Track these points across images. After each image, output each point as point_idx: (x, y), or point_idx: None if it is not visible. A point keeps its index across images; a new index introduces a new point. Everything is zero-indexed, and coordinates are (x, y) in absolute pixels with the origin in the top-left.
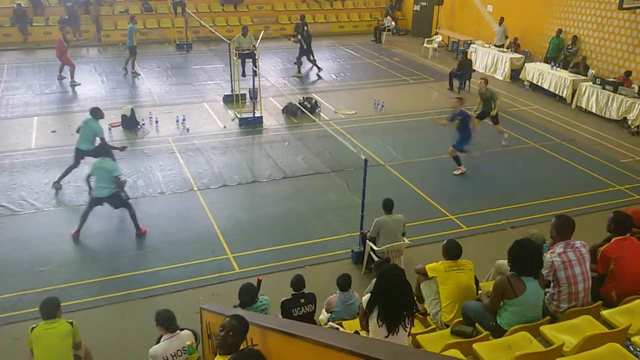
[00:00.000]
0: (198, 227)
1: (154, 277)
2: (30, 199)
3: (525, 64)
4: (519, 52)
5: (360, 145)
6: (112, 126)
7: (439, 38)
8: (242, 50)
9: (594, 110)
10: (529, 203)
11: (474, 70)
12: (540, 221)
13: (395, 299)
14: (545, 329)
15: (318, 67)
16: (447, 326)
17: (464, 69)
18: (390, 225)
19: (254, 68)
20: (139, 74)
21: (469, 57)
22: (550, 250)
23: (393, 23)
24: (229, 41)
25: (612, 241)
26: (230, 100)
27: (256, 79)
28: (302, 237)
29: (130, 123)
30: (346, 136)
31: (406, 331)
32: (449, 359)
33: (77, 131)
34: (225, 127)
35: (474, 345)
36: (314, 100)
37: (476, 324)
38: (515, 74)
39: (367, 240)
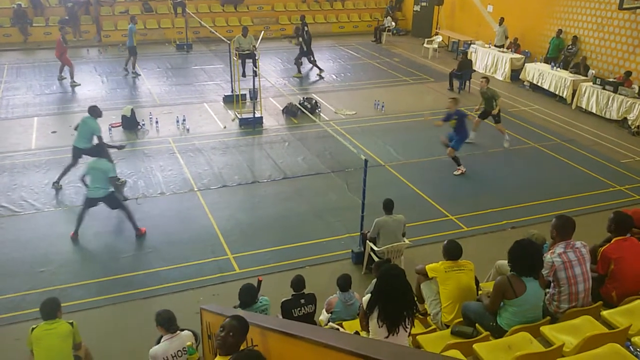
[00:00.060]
0: (198, 227)
1: (154, 277)
2: (31, 200)
3: (526, 64)
4: (519, 53)
5: (361, 146)
6: (112, 127)
7: (439, 38)
8: (242, 51)
9: (594, 111)
10: (529, 203)
11: (474, 71)
12: (541, 221)
13: (396, 300)
14: (546, 330)
15: (319, 68)
16: (448, 326)
17: (464, 70)
18: (390, 226)
19: (254, 68)
20: (139, 75)
21: (469, 57)
22: (551, 251)
23: (393, 23)
24: (229, 41)
25: (612, 241)
26: (231, 100)
27: (256, 79)
28: (302, 238)
29: (130, 123)
30: (346, 136)
31: (406, 332)
32: (449, 359)
33: (75, 129)
34: (225, 127)
35: (474, 346)
36: (314, 101)
37: (476, 325)
38: (515, 74)
39: (368, 241)
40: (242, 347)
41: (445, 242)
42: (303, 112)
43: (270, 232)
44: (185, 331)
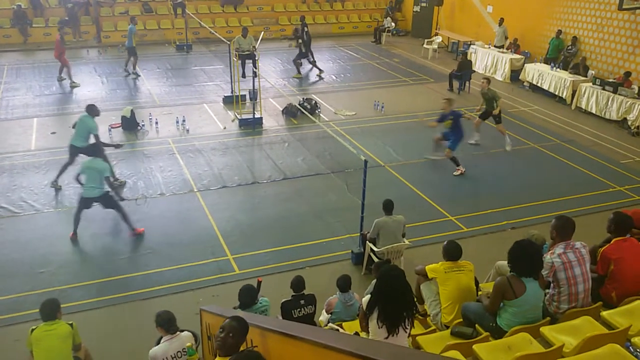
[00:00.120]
0: (198, 228)
1: (154, 278)
2: (30, 201)
3: (525, 64)
4: (519, 53)
5: (360, 146)
6: (112, 127)
7: (438, 39)
8: (242, 51)
9: (593, 111)
10: (529, 204)
11: (474, 71)
12: (540, 222)
13: (395, 300)
14: (545, 330)
15: (319, 69)
16: (447, 327)
17: (464, 70)
18: (390, 226)
19: (254, 69)
20: (139, 75)
21: (468, 58)
22: (550, 251)
23: (393, 24)
24: (229, 42)
25: (612, 242)
26: (230, 101)
27: (256, 80)
28: (302, 238)
29: (130, 124)
30: (346, 137)
31: (406, 332)
32: None
33: (73, 127)
34: (225, 128)
35: (474, 347)
36: (313, 101)
37: (476, 325)
38: (515, 74)
39: (367, 242)
40: (242, 348)
41: (445, 242)
42: (303, 112)
43: (270, 233)
44: (185, 332)
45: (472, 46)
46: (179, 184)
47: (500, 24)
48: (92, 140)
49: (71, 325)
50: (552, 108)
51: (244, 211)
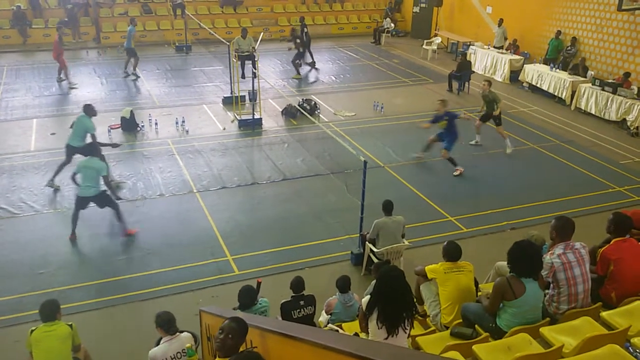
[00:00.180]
0: (197, 229)
1: (154, 279)
2: (30, 202)
3: (525, 65)
4: (518, 54)
5: (360, 147)
6: (112, 128)
7: (438, 40)
8: (242, 52)
9: (593, 112)
10: (528, 204)
11: (474, 72)
12: (540, 222)
13: (395, 301)
14: (545, 331)
15: (313, 61)
16: (447, 328)
17: (464, 71)
18: (389, 227)
19: (254, 70)
20: (139, 77)
21: (468, 58)
22: (550, 252)
23: (392, 25)
24: (228, 43)
25: (611, 242)
26: (230, 102)
27: (255, 80)
28: (302, 239)
29: (129, 125)
30: (345, 138)
31: (406, 333)
32: None
33: (71, 127)
34: (224, 129)
35: (474, 347)
36: (313, 102)
37: (476, 326)
38: (514, 75)
39: (367, 242)
40: (241, 349)
41: (445, 243)
42: (302, 113)
43: (269, 234)
44: (185, 333)
45: (471, 47)
46: (178, 184)
47: (499, 25)
48: (88, 140)
49: (71, 326)
50: (551, 109)
51: (243, 212)
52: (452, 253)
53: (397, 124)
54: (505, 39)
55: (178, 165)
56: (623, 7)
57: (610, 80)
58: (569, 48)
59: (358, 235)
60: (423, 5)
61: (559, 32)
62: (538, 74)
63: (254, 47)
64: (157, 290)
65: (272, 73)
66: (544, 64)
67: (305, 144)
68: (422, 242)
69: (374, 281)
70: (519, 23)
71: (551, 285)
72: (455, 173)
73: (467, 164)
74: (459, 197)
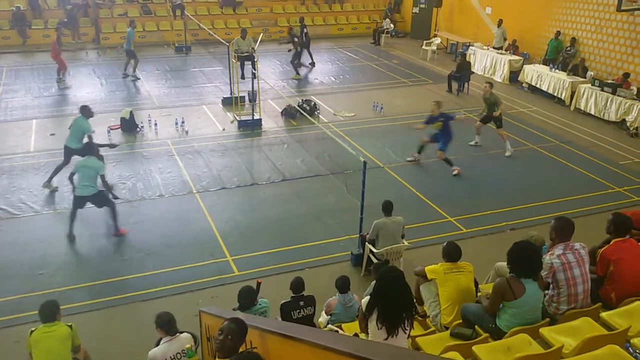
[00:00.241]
0: (197, 229)
1: (153, 279)
2: (29, 202)
3: (524, 66)
4: (518, 54)
5: (359, 148)
6: (111, 129)
7: (437, 40)
8: (241, 53)
9: (592, 112)
10: (528, 205)
11: (473, 73)
12: (540, 223)
13: (395, 301)
14: (545, 331)
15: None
16: (447, 328)
17: (463, 71)
18: (389, 228)
19: (253, 70)
20: (139, 78)
21: (467, 59)
22: (550, 252)
23: (392, 25)
24: (227, 44)
25: (611, 243)
26: (229, 102)
27: (255, 81)
28: (302, 240)
29: (129, 126)
30: (345, 138)
31: (406, 333)
32: None
33: (69, 128)
34: (224, 129)
35: (474, 348)
36: (313, 103)
37: (476, 326)
38: (514, 76)
39: (367, 243)
40: (241, 349)
41: (445, 243)
42: (302, 114)
43: (269, 234)
44: (185, 333)
45: (471, 47)
46: (178, 185)
47: (499, 25)
48: (86, 141)
49: (70, 326)
50: (551, 109)
51: (243, 212)
52: (452, 253)
53: (396, 125)
54: (505, 39)
55: (177, 165)
56: (622, 8)
57: (609, 81)
58: (569, 48)
59: (358, 235)
60: (422, 5)
61: (558, 33)
62: (537, 74)
63: (253, 48)
64: (157, 291)
65: (271, 74)
66: (543, 64)
67: (304, 145)
68: (422, 242)
69: (374, 282)
70: (518, 24)
71: (551, 285)
72: (453, 173)
73: (466, 164)
74: (459, 197)
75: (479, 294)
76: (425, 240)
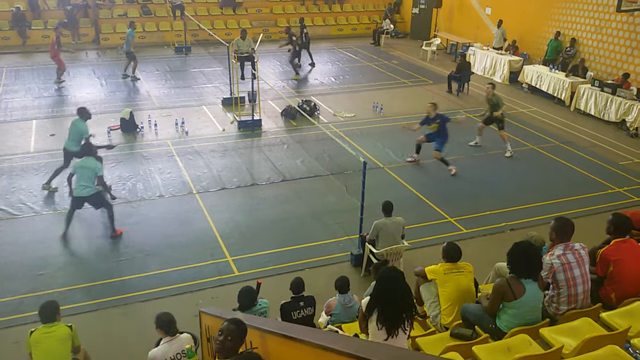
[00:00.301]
0: (197, 230)
1: (153, 280)
2: (29, 203)
3: (524, 66)
4: (518, 55)
5: (359, 148)
6: (111, 129)
7: (437, 41)
8: (241, 53)
9: (592, 113)
10: (528, 205)
11: (473, 73)
12: (540, 223)
13: (395, 302)
14: (545, 332)
15: (312, 62)
16: (447, 329)
17: (463, 72)
18: (389, 228)
19: (253, 71)
20: (139, 78)
21: (467, 59)
22: (550, 253)
23: (392, 26)
24: (227, 44)
25: (611, 243)
26: (229, 103)
27: (255, 81)
28: (302, 240)
29: (129, 126)
30: (345, 139)
31: (406, 334)
32: None
33: (69, 129)
34: (224, 130)
35: (474, 348)
36: (313, 103)
37: (476, 327)
38: (513, 76)
39: (367, 243)
40: (241, 350)
41: (445, 244)
42: (302, 114)
43: (269, 235)
44: (185, 334)
45: (470, 48)
46: (178, 185)
47: (499, 26)
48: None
49: (70, 327)
50: (551, 109)
51: (243, 213)
52: (452, 254)
53: (396, 125)
54: (505, 40)
55: (177, 166)
56: (622, 8)
57: (609, 81)
58: (568, 49)
59: (358, 236)
60: (422, 6)
61: (558, 33)
62: (537, 74)
63: (253, 48)
64: (157, 292)
65: (271, 74)
66: (543, 65)
67: (304, 145)
68: (422, 243)
69: (374, 282)
70: (518, 24)
71: (551, 286)
72: (451, 173)
73: (466, 165)
74: (459, 198)
75: (479, 294)
76: (425, 240)
